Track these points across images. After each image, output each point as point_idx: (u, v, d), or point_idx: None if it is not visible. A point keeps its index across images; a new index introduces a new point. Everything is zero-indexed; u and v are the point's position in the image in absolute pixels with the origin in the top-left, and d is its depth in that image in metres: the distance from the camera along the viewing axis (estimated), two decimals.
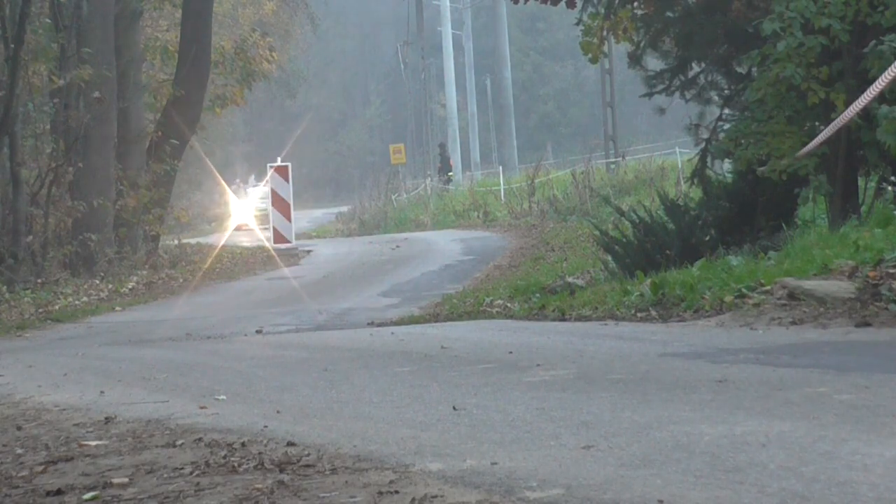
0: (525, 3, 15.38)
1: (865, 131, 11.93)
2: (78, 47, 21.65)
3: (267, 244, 27.51)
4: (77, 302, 17.53)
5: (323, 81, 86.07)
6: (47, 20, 22.01)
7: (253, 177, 54.62)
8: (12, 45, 19.79)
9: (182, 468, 4.86)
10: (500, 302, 12.99)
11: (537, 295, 12.89)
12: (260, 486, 4.39)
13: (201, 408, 6.48)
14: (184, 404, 6.69)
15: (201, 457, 5.05)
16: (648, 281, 10.79)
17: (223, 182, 32.10)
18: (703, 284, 10.01)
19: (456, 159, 52.91)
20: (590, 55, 14.80)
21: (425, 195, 44.45)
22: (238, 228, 35.41)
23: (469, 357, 8.25)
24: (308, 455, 4.86)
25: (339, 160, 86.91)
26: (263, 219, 42.68)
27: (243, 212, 39.74)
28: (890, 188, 13.18)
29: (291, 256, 26.35)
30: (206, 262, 22.46)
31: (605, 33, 14.71)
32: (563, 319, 10.80)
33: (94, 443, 5.66)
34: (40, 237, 20.68)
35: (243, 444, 5.21)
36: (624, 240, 14.21)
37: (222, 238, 28.77)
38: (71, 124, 21.42)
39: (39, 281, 19.28)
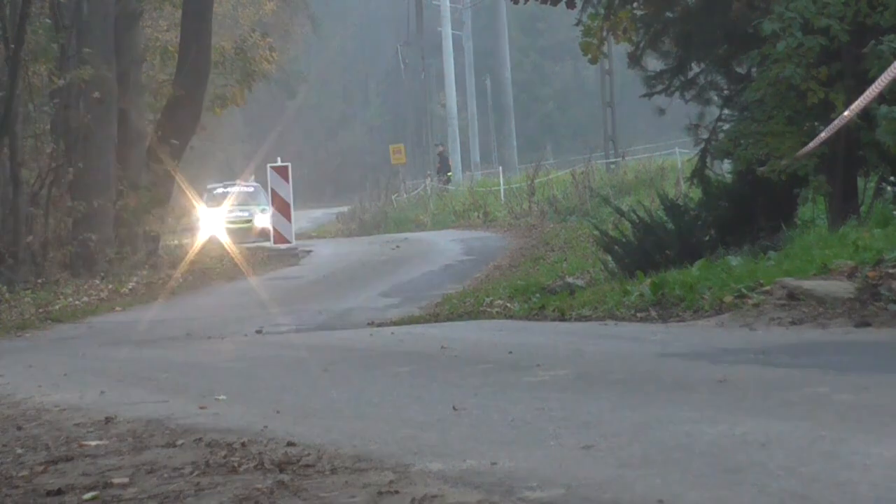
0: (525, 3, 15.38)
1: (865, 131, 11.94)
2: (78, 47, 21.64)
3: (238, 260, 23.28)
4: (77, 302, 17.52)
5: (323, 81, 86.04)
6: (47, 20, 22.01)
7: (252, 177, 51.81)
8: (12, 45, 19.79)
9: (182, 468, 4.86)
10: (500, 302, 12.99)
11: (537, 295, 12.88)
12: (260, 486, 4.40)
13: (201, 408, 6.48)
14: (184, 404, 6.69)
15: (201, 457, 5.05)
16: (648, 281, 10.80)
17: (186, 188, 24.81)
18: (703, 284, 10.01)
19: (456, 159, 52.86)
20: (589, 55, 14.80)
21: (425, 195, 44.42)
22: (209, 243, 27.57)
23: (469, 357, 8.25)
24: (308, 455, 4.86)
25: (339, 160, 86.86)
26: (243, 234, 31.65)
27: (213, 223, 29.30)
28: (889, 188, 13.19)
29: (291, 256, 26.33)
30: (177, 272, 21.49)
31: (604, 34, 14.71)
32: (563, 319, 10.80)
33: (94, 443, 5.66)
34: (40, 237, 20.67)
35: (243, 444, 5.21)
36: (624, 240, 14.21)
37: (190, 253, 23.69)
38: (71, 124, 21.41)
39: (39, 281, 19.27)
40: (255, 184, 36.92)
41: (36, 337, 13.57)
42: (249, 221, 34.01)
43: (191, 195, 26.13)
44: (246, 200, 34.87)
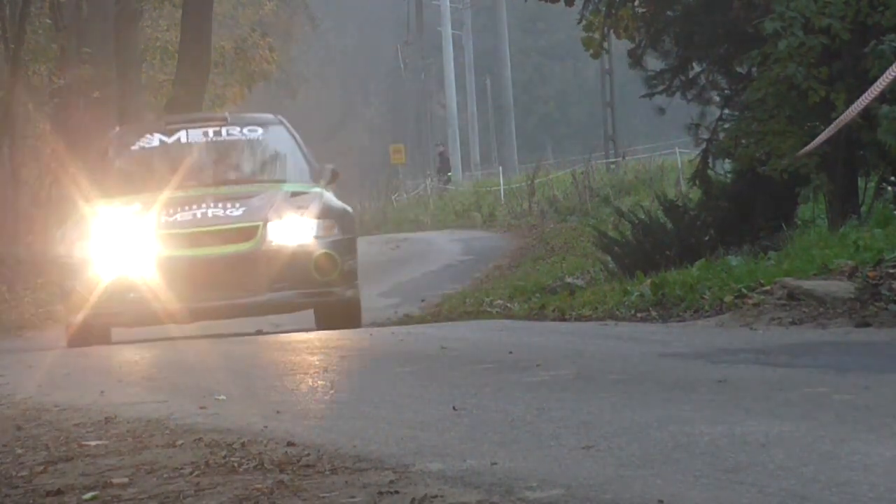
0: (525, 1, 15.38)
1: (866, 131, 11.94)
2: (78, 47, 21.65)
3: None
4: None
5: (323, 81, 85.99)
6: (47, 20, 22.04)
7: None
8: (12, 45, 19.81)
9: (182, 468, 4.85)
10: (500, 302, 13.00)
11: (537, 295, 12.89)
12: (260, 486, 4.39)
13: (201, 408, 6.46)
14: (184, 404, 6.68)
15: (201, 457, 5.04)
16: (648, 281, 10.79)
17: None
18: (703, 285, 10.00)
19: (456, 159, 52.91)
20: (591, 50, 14.82)
21: (425, 195, 44.44)
22: None
23: (469, 357, 8.24)
24: (308, 455, 4.85)
25: (339, 160, 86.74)
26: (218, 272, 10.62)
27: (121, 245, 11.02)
28: (890, 188, 13.20)
29: None
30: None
31: (606, 30, 14.73)
32: (563, 319, 10.79)
33: (94, 443, 5.66)
34: (40, 237, 20.68)
35: (243, 445, 5.20)
36: (623, 240, 14.22)
37: None
38: (71, 124, 21.42)
39: (39, 281, 19.27)
40: (266, 117, 13.53)
41: (36, 337, 13.56)
42: (249, 237, 11.39)
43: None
44: (236, 168, 12.82)
